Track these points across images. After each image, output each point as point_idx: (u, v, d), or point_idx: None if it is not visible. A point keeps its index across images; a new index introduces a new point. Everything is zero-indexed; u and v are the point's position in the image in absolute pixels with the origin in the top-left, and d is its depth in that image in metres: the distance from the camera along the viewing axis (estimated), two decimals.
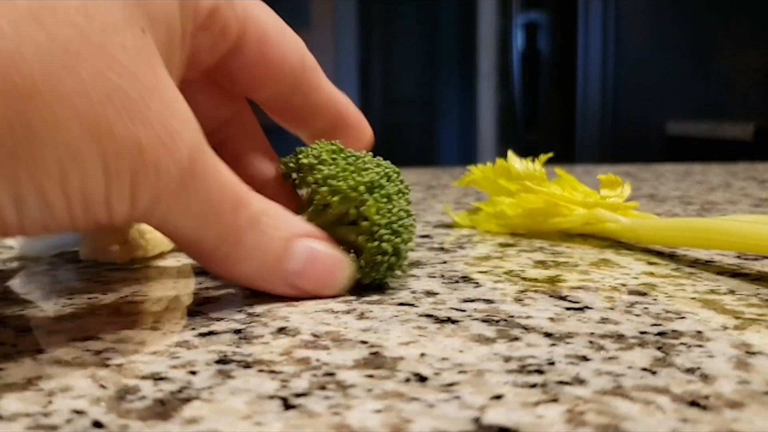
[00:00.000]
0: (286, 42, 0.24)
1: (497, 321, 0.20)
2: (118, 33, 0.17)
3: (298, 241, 0.22)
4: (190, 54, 0.22)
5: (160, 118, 0.17)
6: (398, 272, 0.24)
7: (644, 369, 0.16)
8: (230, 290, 0.24)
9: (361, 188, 0.23)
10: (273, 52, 0.24)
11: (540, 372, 0.16)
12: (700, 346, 0.18)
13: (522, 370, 0.16)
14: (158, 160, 0.17)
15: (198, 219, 0.19)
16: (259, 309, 0.22)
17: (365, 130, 0.27)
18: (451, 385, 0.16)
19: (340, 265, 0.23)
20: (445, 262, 0.29)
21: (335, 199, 0.23)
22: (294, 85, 0.25)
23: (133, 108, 0.17)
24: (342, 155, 0.25)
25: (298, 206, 0.25)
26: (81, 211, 0.17)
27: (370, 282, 0.24)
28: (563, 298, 0.23)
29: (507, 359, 0.17)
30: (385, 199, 0.23)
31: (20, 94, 0.15)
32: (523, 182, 0.35)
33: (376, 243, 0.23)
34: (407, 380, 0.16)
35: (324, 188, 0.23)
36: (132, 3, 0.17)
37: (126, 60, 0.17)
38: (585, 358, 0.17)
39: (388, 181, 0.24)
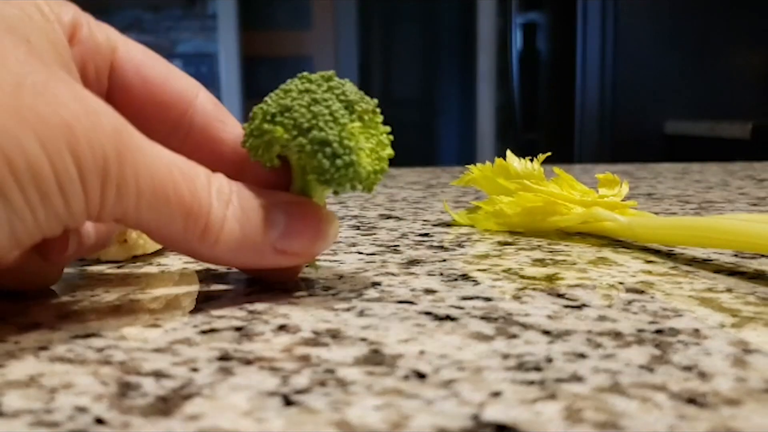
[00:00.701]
0: (165, 69, 0.24)
1: (496, 319, 0.20)
2: (5, 43, 0.17)
3: (274, 206, 0.22)
4: (81, 69, 0.22)
5: (75, 99, 0.18)
6: (363, 170, 0.22)
7: (642, 366, 0.17)
8: (231, 288, 0.24)
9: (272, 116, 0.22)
10: (153, 78, 0.24)
11: (538, 369, 0.16)
12: (698, 343, 0.18)
13: (520, 367, 0.17)
14: (88, 135, 0.17)
15: (156, 202, 0.19)
16: (259, 306, 0.22)
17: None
18: (450, 382, 0.16)
19: (323, 215, 0.23)
20: (444, 260, 0.29)
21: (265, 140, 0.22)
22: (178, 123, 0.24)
23: (46, 92, 0.17)
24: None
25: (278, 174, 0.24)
26: (40, 205, 0.17)
27: (343, 190, 0.23)
28: (561, 296, 0.23)
29: (505, 356, 0.17)
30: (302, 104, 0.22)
31: None
32: (522, 181, 0.35)
33: (298, 150, 0.22)
34: (406, 377, 0.16)
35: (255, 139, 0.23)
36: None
37: (18, 56, 0.17)
38: (583, 356, 0.17)
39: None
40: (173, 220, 0.20)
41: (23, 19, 0.19)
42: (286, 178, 0.24)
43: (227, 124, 0.25)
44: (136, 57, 0.23)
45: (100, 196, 0.18)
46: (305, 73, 0.24)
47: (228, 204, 0.21)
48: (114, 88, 0.23)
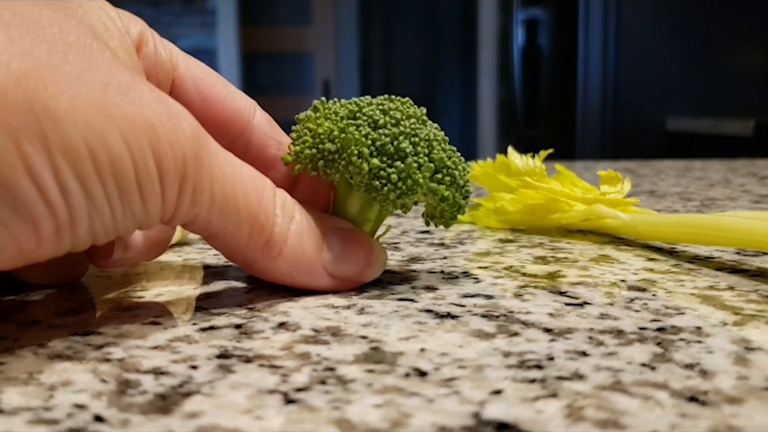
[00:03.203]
0: (224, 88, 0.24)
1: (497, 316, 0.20)
2: (87, 40, 0.18)
3: (330, 231, 0.23)
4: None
5: (157, 101, 0.18)
6: (418, 188, 0.22)
7: (643, 364, 0.17)
8: (231, 286, 0.24)
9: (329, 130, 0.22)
10: (212, 95, 0.24)
11: (539, 367, 0.16)
12: (700, 341, 0.18)
13: (521, 365, 0.17)
14: (169, 136, 0.18)
15: (226, 208, 0.20)
16: (259, 304, 0.22)
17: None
18: (450, 380, 0.16)
19: (374, 245, 0.23)
20: (445, 258, 0.29)
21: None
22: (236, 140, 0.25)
23: (130, 92, 0.17)
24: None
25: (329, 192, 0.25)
26: (119, 202, 0.17)
27: (396, 208, 0.23)
28: (563, 294, 0.23)
29: (506, 354, 0.17)
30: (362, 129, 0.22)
31: (33, 83, 0.16)
32: (523, 178, 0.35)
33: (357, 164, 0.22)
34: (407, 375, 0.16)
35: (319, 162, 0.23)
36: (80, 22, 0.18)
37: (104, 58, 0.18)
38: (584, 354, 0.17)
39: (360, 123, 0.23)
40: (240, 228, 0.20)
41: (102, 28, 0.20)
42: (329, 199, 0.25)
43: (282, 144, 0.25)
44: (197, 75, 0.24)
45: (176, 197, 0.18)
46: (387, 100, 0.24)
47: (291, 220, 0.22)
48: (175, 94, 0.24)
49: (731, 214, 0.28)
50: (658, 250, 0.30)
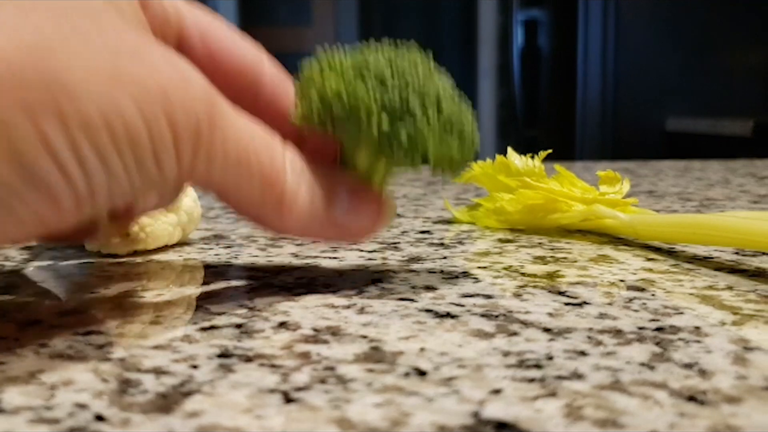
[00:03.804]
0: (231, 39, 0.24)
1: (496, 316, 0.20)
2: (100, 9, 0.18)
3: (339, 185, 0.23)
4: None
5: (168, 64, 0.18)
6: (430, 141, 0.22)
7: (642, 364, 0.17)
8: (232, 285, 0.24)
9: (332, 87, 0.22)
10: (219, 49, 0.24)
11: (539, 367, 0.16)
12: (698, 341, 0.18)
13: (521, 364, 0.17)
14: (183, 99, 0.18)
15: (239, 168, 0.20)
16: (260, 303, 0.22)
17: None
18: (450, 379, 0.16)
19: (382, 197, 0.23)
20: (444, 258, 0.29)
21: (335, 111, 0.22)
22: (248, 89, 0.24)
23: (142, 56, 0.17)
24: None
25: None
26: (136, 170, 0.17)
27: (404, 167, 0.23)
28: (562, 294, 0.23)
29: (506, 354, 0.17)
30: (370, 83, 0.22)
31: (47, 57, 0.16)
32: (523, 178, 0.35)
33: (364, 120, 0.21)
34: (407, 374, 0.16)
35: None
36: None
37: (116, 24, 0.18)
38: (583, 353, 0.17)
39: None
40: (252, 186, 0.20)
41: None
42: (336, 152, 0.24)
43: (291, 95, 0.25)
44: (203, 27, 0.24)
45: (191, 161, 0.19)
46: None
47: (300, 176, 0.22)
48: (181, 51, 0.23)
49: (730, 214, 0.28)
50: (657, 250, 0.30)
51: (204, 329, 0.19)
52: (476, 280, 0.25)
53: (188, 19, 0.23)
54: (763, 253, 0.29)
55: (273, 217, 0.21)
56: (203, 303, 0.22)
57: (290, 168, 0.21)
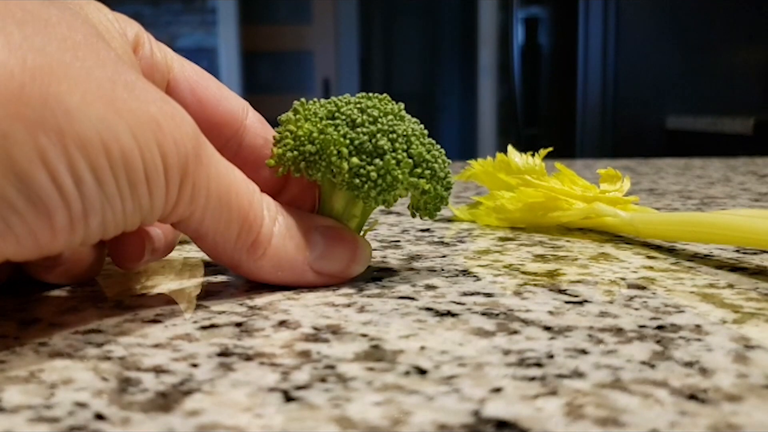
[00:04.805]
0: (217, 89, 0.25)
1: (497, 314, 0.20)
2: (94, 39, 0.18)
3: (314, 229, 0.23)
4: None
5: (161, 99, 0.19)
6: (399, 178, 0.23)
7: (643, 362, 0.17)
8: (231, 284, 0.24)
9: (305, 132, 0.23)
10: (207, 98, 0.24)
11: (539, 365, 0.16)
12: (699, 339, 0.18)
13: (521, 363, 0.17)
14: (174, 133, 0.19)
15: (219, 208, 0.20)
16: (260, 302, 0.22)
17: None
18: (450, 378, 0.16)
19: (357, 240, 0.24)
20: (445, 256, 0.29)
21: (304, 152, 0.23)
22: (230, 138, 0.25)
23: (135, 89, 0.18)
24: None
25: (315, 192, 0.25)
26: (129, 195, 0.18)
27: (378, 203, 0.23)
28: (562, 292, 0.23)
29: (506, 352, 0.17)
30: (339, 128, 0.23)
31: (48, 78, 0.16)
32: (523, 176, 0.35)
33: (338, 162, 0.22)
34: (407, 373, 0.16)
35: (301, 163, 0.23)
36: (84, 21, 0.19)
37: (110, 56, 0.18)
38: (584, 352, 0.17)
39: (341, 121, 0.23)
40: (230, 228, 0.21)
41: (103, 29, 0.21)
42: (314, 201, 0.25)
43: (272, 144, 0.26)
44: (191, 77, 0.25)
45: (177, 193, 0.19)
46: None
47: (275, 221, 0.22)
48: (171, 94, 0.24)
49: (731, 212, 0.28)
50: (658, 248, 0.30)
51: (204, 328, 0.19)
52: (477, 278, 0.25)
53: (176, 68, 0.24)
54: (764, 251, 0.29)
55: (246, 261, 0.22)
56: (203, 301, 0.22)
57: (267, 212, 0.22)
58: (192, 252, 0.30)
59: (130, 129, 0.17)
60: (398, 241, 0.32)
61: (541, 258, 0.28)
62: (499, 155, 0.36)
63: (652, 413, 0.14)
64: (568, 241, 0.32)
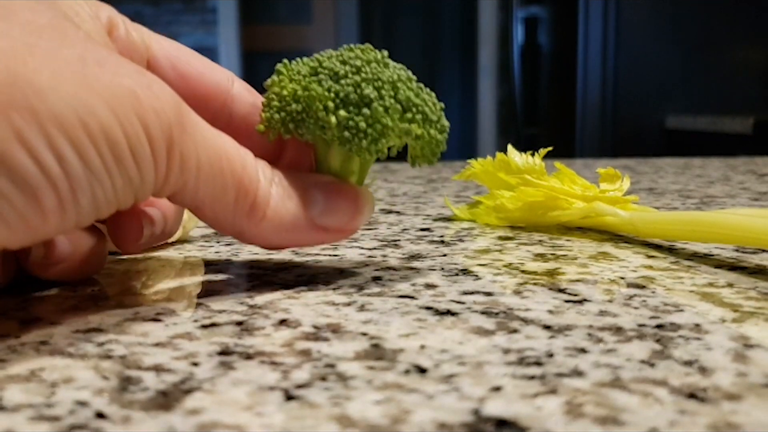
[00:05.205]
0: (199, 62, 0.25)
1: (497, 313, 0.20)
2: (60, 21, 0.18)
3: (312, 186, 0.23)
4: None
5: (136, 72, 0.18)
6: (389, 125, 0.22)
7: (643, 361, 0.17)
8: (232, 283, 0.24)
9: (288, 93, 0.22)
10: (189, 72, 0.24)
11: (539, 364, 0.16)
12: (699, 338, 0.18)
13: (521, 362, 0.17)
14: (153, 103, 0.18)
15: (212, 175, 0.20)
16: (260, 301, 0.22)
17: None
18: (450, 376, 0.16)
19: (358, 191, 0.23)
20: (445, 255, 0.29)
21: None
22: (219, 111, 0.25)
23: (108, 63, 0.18)
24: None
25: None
26: (115, 167, 0.18)
27: (374, 156, 0.23)
28: (562, 291, 0.23)
29: (506, 351, 0.17)
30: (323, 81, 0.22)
31: (13, 60, 0.16)
32: (523, 176, 0.35)
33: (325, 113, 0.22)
34: (407, 372, 0.16)
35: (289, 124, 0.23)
36: (50, 6, 0.19)
37: (78, 36, 0.18)
38: (584, 351, 0.17)
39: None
40: (226, 193, 0.21)
41: (73, 13, 0.20)
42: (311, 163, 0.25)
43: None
44: (171, 53, 0.24)
45: (166, 164, 0.19)
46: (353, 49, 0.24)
47: (272, 182, 0.22)
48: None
49: (730, 211, 0.28)
50: (657, 247, 0.30)
51: (204, 326, 0.19)
52: (476, 277, 0.25)
53: (155, 46, 0.24)
54: (764, 251, 0.29)
55: (248, 226, 0.22)
56: (204, 300, 0.22)
57: (262, 175, 0.22)
58: (192, 251, 0.30)
59: (106, 103, 0.17)
60: (398, 240, 0.32)
61: (540, 257, 0.28)
62: (499, 155, 0.36)
63: (651, 412, 0.14)
64: (567, 240, 0.32)
